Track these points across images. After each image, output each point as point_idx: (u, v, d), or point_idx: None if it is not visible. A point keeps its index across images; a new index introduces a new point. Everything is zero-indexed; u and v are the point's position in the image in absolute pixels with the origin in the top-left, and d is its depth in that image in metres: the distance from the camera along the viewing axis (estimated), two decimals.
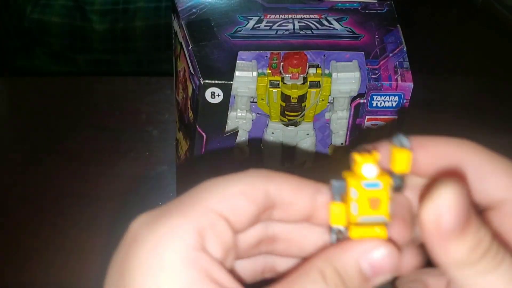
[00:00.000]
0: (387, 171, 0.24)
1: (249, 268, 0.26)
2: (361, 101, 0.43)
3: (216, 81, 0.41)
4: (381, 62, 0.43)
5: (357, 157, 0.23)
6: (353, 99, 0.44)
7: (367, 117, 0.44)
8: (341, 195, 0.24)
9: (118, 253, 0.23)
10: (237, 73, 0.42)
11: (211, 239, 0.21)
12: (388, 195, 0.23)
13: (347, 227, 0.24)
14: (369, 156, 0.23)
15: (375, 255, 0.22)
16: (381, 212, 0.23)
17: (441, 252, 0.21)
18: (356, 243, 0.23)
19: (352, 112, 0.44)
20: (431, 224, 0.21)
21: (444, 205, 0.20)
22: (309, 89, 0.44)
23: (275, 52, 0.43)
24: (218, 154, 0.45)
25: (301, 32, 0.44)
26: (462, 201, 0.20)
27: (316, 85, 0.44)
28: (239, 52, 0.42)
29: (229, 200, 0.23)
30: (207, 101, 0.41)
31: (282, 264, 0.27)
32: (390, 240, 0.23)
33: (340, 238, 0.24)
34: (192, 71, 0.42)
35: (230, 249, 0.23)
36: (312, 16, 0.45)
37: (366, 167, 0.23)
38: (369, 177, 0.23)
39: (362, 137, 0.44)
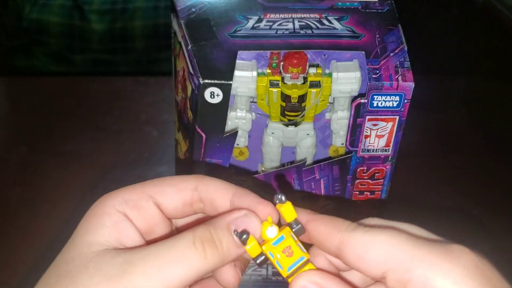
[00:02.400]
0: (285, 224, 0.30)
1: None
2: (362, 101, 0.43)
3: (216, 81, 0.40)
4: (382, 62, 0.43)
5: (264, 224, 0.30)
6: (354, 99, 0.44)
7: (367, 117, 0.44)
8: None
9: None
10: (236, 73, 0.42)
11: (135, 207, 0.31)
12: (293, 240, 0.29)
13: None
14: (266, 222, 0.29)
15: (241, 218, 0.29)
16: (297, 255, 0.29)
17: None
18: (232, 212, 0.30)
19: (352, 112, 0.43)
20: None
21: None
22: (309, 89, 0.43)
23: (275, 51, 0.43)
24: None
25: (301, 32, 0.44)
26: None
27: (316, 85, 0.43)
28: (239, 52, 0.42)
29: (160, 188, 0.32)
30: (207, 101, 0.41)
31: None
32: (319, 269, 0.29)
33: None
34: (191, 71, 0.42)
35: (154, 219, 0.31)
36: (312, 15, 0.45)
37: (267, 230, 0.29)
38: (273, 237, 0.29)
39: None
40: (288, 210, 0.30)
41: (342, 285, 0.28)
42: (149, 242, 0.30)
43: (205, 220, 0.31)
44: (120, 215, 0.30)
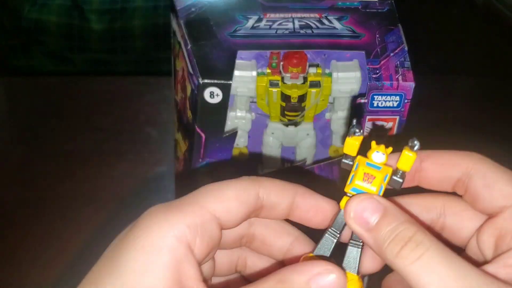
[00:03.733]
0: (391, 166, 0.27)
1: (226, 258, 0.30)
2: (362, 101, 0.43)
3: (215, 81, 0.40)
4: (382, 62, 0.43)
5: (373, 144, 0.27)
6: (354, 99, 0.43)
7: (368, 117, 0.43)
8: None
9: (126, 230, 0.26)
10: (236, 72, 0.42)
11: (199, 234, 0.25)
12: (383, 178, 0.27)
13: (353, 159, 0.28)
14: (383, 147, 0.27)
15: (324, 279, 0.24)
16: (371, 189, 0.27)
17: (367, 241, 0.26)
18: (308, 265, 0.25)
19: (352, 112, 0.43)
20: (352, 219, 0.26)
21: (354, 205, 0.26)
22: (309, 89, 0.43)
23: (275, 51, 0.43)
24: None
25: (301, 31, 0.44)
26: (368, 203, 0.26)
27: (316, 84, 0.43)
28: (239, 52, 0.42)
29: (224, 202, 0.26)
30: (206, 101, 0.41)
31: (254, 260, 0.31)
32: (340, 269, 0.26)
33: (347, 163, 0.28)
34: (191, 70, 0.41)
35: (215, 245, 0.26)
36: (312, 15, 0.45)
37: (376, 153, 0.27)
38: (375, 161, 0.27)
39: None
40: (408, 160, 0.27)
41: (410, 218, 0.25)
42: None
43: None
44: (183, 249, 0.25)
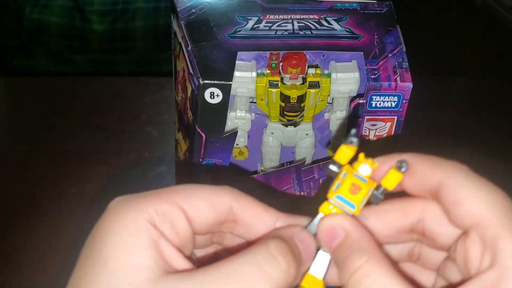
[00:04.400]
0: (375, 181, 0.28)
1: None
2: (361, 101, 0.43)
3: (216, 82, 0.41)
4: (381, 63, 0.43)
5: (361, 156, 0.27)
6: (353, 99, 0.44)
7: (366, 117, 0.44)
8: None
9: (97, 224, 0.27)
10: (236, 73, 0.42)
11: (167, 221, 0.25)
12: (367, 192, 0.27)
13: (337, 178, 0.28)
14: (371, 161, 0.27)
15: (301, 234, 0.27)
16: (355, 200, 0.27)
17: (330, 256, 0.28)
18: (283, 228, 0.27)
19: (351, 112, 0.44)
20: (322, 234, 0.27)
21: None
22: (308, 90, 0.44)
23: (274, 52, 0.43)
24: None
25: (301, 33, 0.44)
26: (336, 225, 0.27)
27: (315, 85, 0.44)
28: (238, 53, 0.42)
29: (192, 200, 0.26)
30: (207, 101, 0.41)
31: (230, 239, 0.30)
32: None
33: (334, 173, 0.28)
34: (191, 71, 0.42)
35: (186, 237, 0.26)
36: (311, 16, 0.45)
37: (363, 166, 0.27)
38: (361, 173, 0.27)
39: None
40: (393, 179, 0.27)
41: (368, 239, 0.26)
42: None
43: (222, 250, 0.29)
44: (156, 232, 0.25)
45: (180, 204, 0.26)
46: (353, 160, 0.28)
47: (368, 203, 0.28)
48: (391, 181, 0.27)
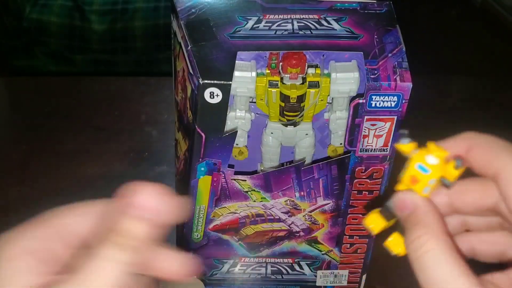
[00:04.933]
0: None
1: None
2: (360, 101, 0.43)
3: (215, 81, 0.41)
4: (380, 62, 0.43)
5: (431, 146, 0.30)
6: (352, 99, 0.44)
7: (366, 117, 0.44)
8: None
9: None
10: (236, 73, 0.42)
11: (42, 247, 0.30)
12: (426, 183, 0.30)
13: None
14: (441, 152, 0.30)
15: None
16: (416, 189, 0.30)
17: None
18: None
19: (351, 112, 0.44)
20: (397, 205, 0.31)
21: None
22: (308, 89, 0.44)
23: (274, 52, 0.43)
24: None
25: (300, 32, 0.44)
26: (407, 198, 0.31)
27: (315, 85, 0.44)
28: (238, 52, 0.42)
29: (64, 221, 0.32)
30: (206, 101, 0.41)
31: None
32: None
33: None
34: (191, 71, 0.42)
35: (60, 259, 0.29)
36: (311, 16, 0.45)
37: (430, 157, 0.30)
38: (428, 163, 0.29)
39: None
40: (452, 174, 0.30)
41: (432, 216, 0.29)
42: None
43: None
44: (32, 257, 0.29)
45: (54, 228, 0.31)
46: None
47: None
48: (450, 176, 0.30)
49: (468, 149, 0.31)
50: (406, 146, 0.30)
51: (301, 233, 0.52)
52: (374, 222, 0.31)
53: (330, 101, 0.46)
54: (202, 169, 0.46)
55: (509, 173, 0.29)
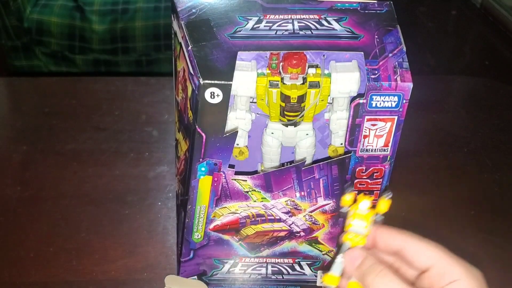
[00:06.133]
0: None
1: None
2: (361, 101, 0.43)
3: (216, 81, 0.41)
4: (381, 62, 0.43)
5: (360, 196, 0.41)
6: (353, 99, 0.44)
7: (366, 117, 0.44)
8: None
9: None
10: (236, 73, 0.42)
11: None
12: (370, 219, 0.41)
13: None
14: (368, 197, 0.41)
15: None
16: (364, 227, 0.41)
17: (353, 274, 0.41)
18: None
19: (351, 112, 0.44)
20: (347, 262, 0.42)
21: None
22: (308, 89, 0.44)
23: (274, 52, 0.43)
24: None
25: (301, 32, 0.44)
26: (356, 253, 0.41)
27: (315, 85, 0.44)
28: (239, 52, 0.42)
29: None
30: (207, 101, 0.41)
31: None
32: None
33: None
34: (191, 71, 0.42)
35: None
36: (311, 16, 0.45)
37: (363, 202, 0.41)
38: (362, 208, 0.41)
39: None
40: (383, 205, 0.41)
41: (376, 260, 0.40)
42: None
43: None
44: None
45: None
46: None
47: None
48: (382, 207, 0.41)
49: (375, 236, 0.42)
50: (350, 195, 0.41)
51: (302, 233, 0.52)
52: (330, 280, 0.42)
53: (331, 101, 0.46)
54: (203, 169, 0.46)
55: (411, 245, 0.40)
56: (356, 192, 0.42)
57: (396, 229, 0.41)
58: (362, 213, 0.41)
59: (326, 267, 0.56)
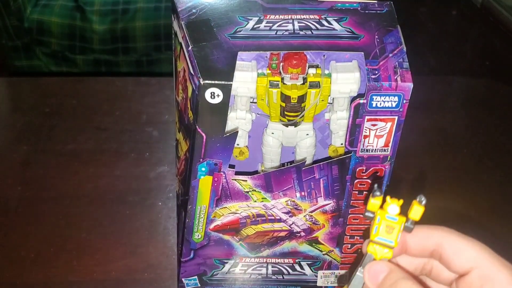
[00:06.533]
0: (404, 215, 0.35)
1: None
2: (361, 101, 0.43)
3: (216, 82, 0.41)
4: (381, 63, 0.43)
5: (388, 199, 0.35)
6: (353, 99, 0.44)
7: (366, 117, 0.44)
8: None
9: None
10: (236, 73, 0.42)
11: None
12: (400, 229, 0.35)
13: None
14: (396, 201, 0.35)
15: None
16: (392, 238, 0.35)
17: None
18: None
19: (352, 113, 0.44)
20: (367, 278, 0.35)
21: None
22: (308, 90, 0.44)
23: (274, 52, 0.43)
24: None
25: (301, 33, 0.44)
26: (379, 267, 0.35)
27: (315, 85, 0.44)
28: (239, 53, 0.42)
29: None
30: (207, 101, 0.41)
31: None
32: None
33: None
34: (192, 71, 0.42)
35: None
36: (311, 16, 0.45)
37: (391, 206, 0.34)
38: (391, 213, 0.34)
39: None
40: (417, 212, 0.35)
41: (407, 278, 0.34)
42: None
43: None
44: None
45: None
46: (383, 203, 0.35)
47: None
48: (416, 213, 0.35)
49: (404, 236, 0.36)
50: (377, 199, 0.35)
51: (302, 233, 0.52)
52: None
53: (331, 101, 0.46)
54: (203, 169, 0.46)
55: (452, 239, 0.35)
56: (382, 195, 0.35)
57: (431, 226, 0.36)
58: (390, 220, 0.35)
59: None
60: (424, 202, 0.34)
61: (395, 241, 0.35)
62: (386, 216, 0.35)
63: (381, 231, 0.35)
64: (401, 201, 0.35)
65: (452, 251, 0.34)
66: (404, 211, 0.35)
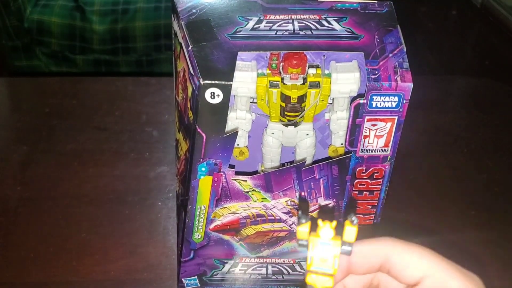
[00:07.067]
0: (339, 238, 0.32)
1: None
2: (361, 101, 0.43)
3: (216, 82, 0.41)
4: (381, 63, 0.43)
5: (319, 222, 0.32)
6: (353, 99, 0.44)
7: (366, 117, 0.44)
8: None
9: None
10: (236, 73, 0.42)
11: None
12: (336, 254, 0.32)
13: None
14: (329, 223, 0.32)
15: None
16: (328, 266, 0.32)
17: None
18: None
19: (352, 113, 0.44)
20: None
21: None
22: (308, 90, 0.44)
23: (274, 52, 0.43)
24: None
25: (301, 33, 0.44)
26: None
27: (315, 85, 0.44)
28: (239, 53, 0.42)
29: None
30: (207, 101, 0.41)
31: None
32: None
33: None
34: (191, 71, 0.42)
35: None
36: (311, 16, 0.45)
37: (324, 230, 0.32)
38: (325, 238, 0.32)
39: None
40: (351, 233, 0.32)
41: None
42: None
43: None
44: None
45: None
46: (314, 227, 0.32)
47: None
48: (349, 235, 0.32)
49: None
50: (305, 226, 0.32)
51: None
52: None
53: (331, 102, 0.46)
54: (203, 169, 0.46)
55: (396, 253, 0.33)
56: (310, 219, 0.32)
57: (375, 239, 0.34)
58: (325, 246, 0.32)
59: None
60: (355, 222, 0.32)
61: (332, 268, 0.32)
62: (320, 242, 0.32)
63: (315, 260, 0.33)
64: (335, 223, 0.32)
65: (400, 264, 0.33)
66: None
